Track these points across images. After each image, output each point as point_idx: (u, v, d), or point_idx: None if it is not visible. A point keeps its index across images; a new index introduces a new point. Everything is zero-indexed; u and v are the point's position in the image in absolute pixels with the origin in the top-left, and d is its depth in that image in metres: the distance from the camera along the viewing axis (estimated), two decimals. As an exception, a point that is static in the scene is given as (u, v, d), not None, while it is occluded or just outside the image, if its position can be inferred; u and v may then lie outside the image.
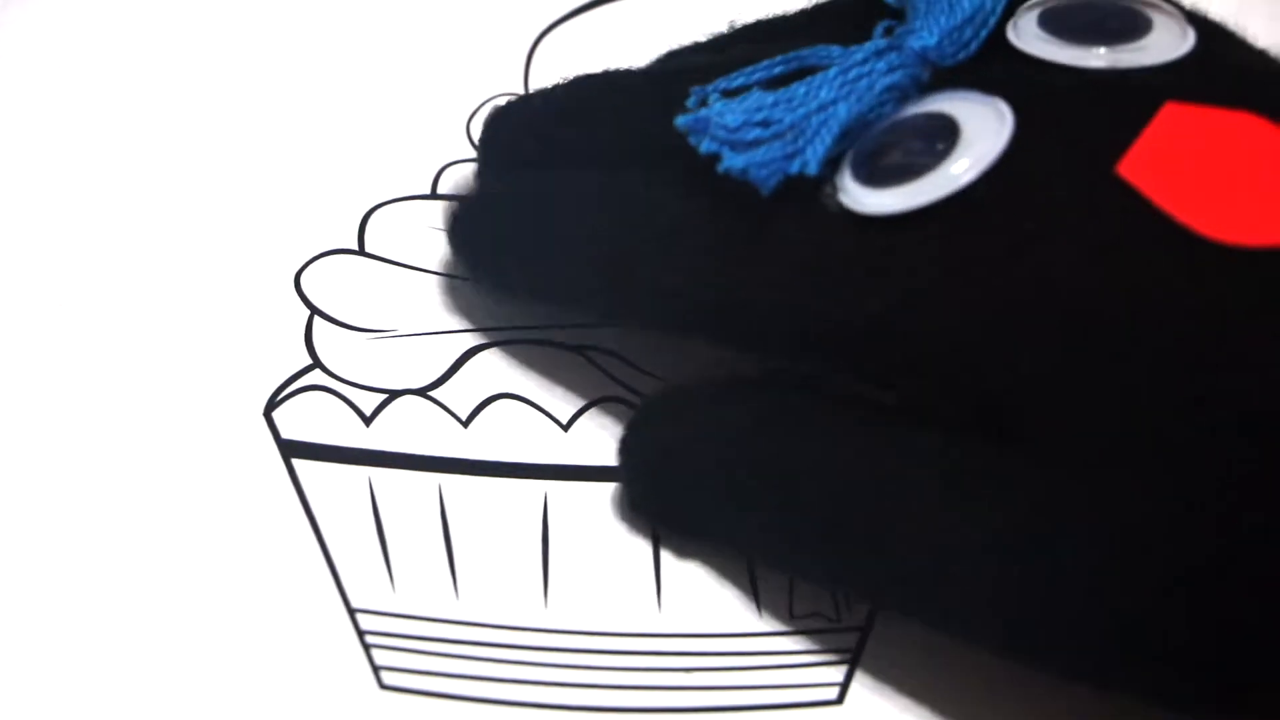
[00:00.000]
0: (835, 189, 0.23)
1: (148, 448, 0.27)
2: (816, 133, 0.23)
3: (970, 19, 0.24)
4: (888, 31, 0.24)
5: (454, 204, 0.28)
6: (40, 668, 0.24)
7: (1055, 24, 0.24)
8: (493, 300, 0.28)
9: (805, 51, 0.25)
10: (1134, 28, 0.24)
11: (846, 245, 0.23)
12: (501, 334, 0.29)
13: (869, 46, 0.24)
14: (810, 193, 0.23)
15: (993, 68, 0.24)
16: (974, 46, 0.24)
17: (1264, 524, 0.18)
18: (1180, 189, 0.21)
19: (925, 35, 0.24)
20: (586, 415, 0.27)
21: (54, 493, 0.26)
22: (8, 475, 0.26)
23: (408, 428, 0.27)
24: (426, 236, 0.30)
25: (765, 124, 0.23)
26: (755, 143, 0.23)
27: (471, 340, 0.28)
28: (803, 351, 0.23)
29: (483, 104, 0.32)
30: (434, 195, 0.31)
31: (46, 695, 0.24)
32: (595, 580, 0.25)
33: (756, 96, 0.24)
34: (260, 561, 0.25)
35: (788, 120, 0.23)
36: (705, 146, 0.23)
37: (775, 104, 0.23)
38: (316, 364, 0.28)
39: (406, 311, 0.29)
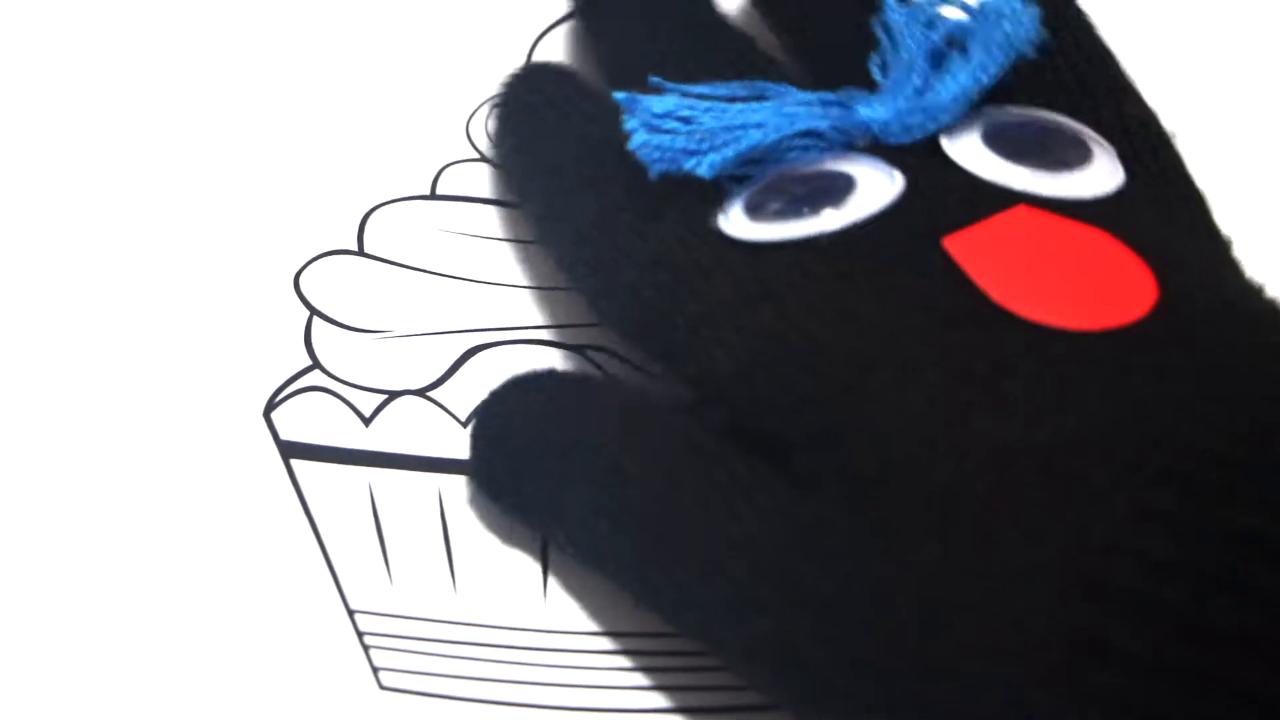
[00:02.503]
0: (724, 210, 0.25)
1: (147, 448, 0.27)
2: (724, 144, 0.24)
3: (925, 109, 0.25)
4: (850, 95, 0.25)
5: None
6: (40, 668, 0.24)
7: (995, 136, 0.25)
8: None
9: (769, 84, 0.26)
10: (1070, 159, 0.25)
11: (697, 254, 0.24)
12: (501, 334, 0.29)
13: (818, 95, 0.25)
14: (704, 205, 0.25)
15: (918, 153, 0.25)
16: (917, 135, 0.25)
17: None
18: (996, 265, 0.22)
19: (878, 109, 0.25)
20: (586, 415, 0.27)
21: (53, 493, 0.26)
22: (7, 475, 0.26)
23: (407, 428, 0.27)
24: (426, 237, 0.30)
25: (686, 121, 0.24)
26: (668, 133, 0.24)
27: (471, 340, 0.28)
28: (641, 339, 0.25)
29: (482, 104, 0.32)
30: (434, 195, 0.31)
31: (47, 695, 0.24)
32: (595, 580, 0.25)
33: (693, 100, 0.25)
34: (259, 562, 0.25)
35: (706, 125, 0.24)
36: (628, 123, 0.25)
37: (706, 110, 0.25)
38: (316, 365, 0.28)
39: (406, 312, 0.29)
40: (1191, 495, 0.18)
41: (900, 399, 0.21)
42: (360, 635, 0.25)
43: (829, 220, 0.24)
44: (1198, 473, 0.18)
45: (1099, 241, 0.23)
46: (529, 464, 0.25)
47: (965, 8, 0.26)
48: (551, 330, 0.29)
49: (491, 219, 0.31)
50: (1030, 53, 0.26)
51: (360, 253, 0.30)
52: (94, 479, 0.26)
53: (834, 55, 0.29)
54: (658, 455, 0.23)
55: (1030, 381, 0.20)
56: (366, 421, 0.27)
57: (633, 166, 0.25)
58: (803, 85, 0.26)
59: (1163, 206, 0.25)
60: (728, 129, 0.24)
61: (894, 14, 0.26)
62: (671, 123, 0.24)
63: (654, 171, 0.24)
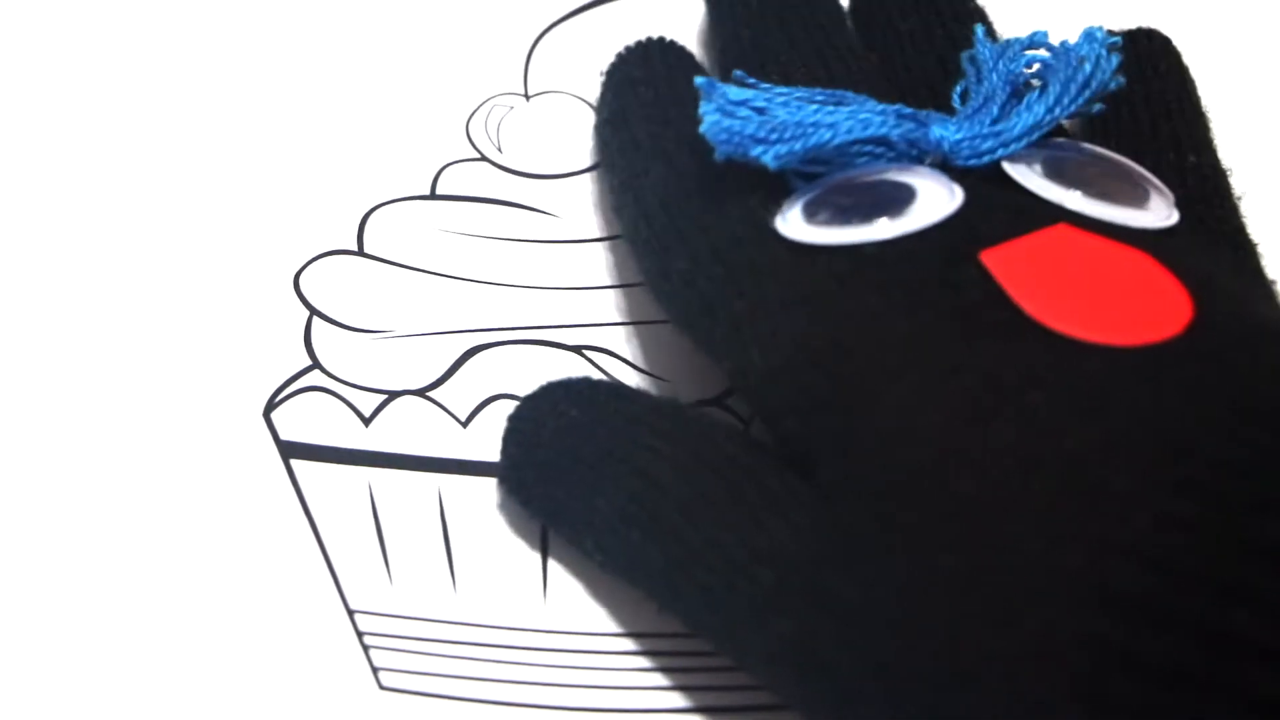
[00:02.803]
0: (782, 209, 0.25)
1: (147, 448, 0.27)
2: (794, 138, 0.24)
3: (996, 134, 0.25)
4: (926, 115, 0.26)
5: None
6: (40, 668, 0.24)
7: (1056, 166, 0.25)
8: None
9: (848, 94, 0.26)
10: (1127, 196, 0.25)
11: (751, 252, 0.24)
12: (501, 334, 0.29)
13: (895, 108, 0.25)
14: (766, 204, 0.25)
15: (982, 173, 0.25)
16: (986, 160, 0.25)
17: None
18: (1033, 280, 0.22)
19: (951, 130, 0.25)
20: (586, 415, 0.27)
21: (54, 493, 0.26)
22: (8, 475, 0.26)
23: (407, 428, 0.27)
24: (426, 236, 0.30)
25: (761, 111, 0.25)
26: (741, 119, 0.24)
27: (471, 340, 0.28)
28: (688, 327, 0.25)
29: (482, 104, 0.32)
30: (434, 195, 0.31)
31: (47, 695, 0.24)
32: (594, 580, 0.25)
33: (771, 94, 0.25)
34: (259, 562, 0.25)
35: (779, 118, 0.24)
36: (703, 108, 0.25)
37: (782, 104, 0.25)
38: (315, 365, 0.28)
39: (406, 312, 0.29)
40: (1213, 506, 0.18)
41: (926, 409, 0.21)
42: (360, 635, 0.25)
43: (881, 229, 0.24)
44: (1219, 483, 0.18)
45: (1137, 261, 0.23)
46: (561, 471, 0.25)
47: (1050, 48, 0.27)
48: (551, 330, 0.29)
49: (491, 219, 0.30)
50: (1105, 99, 0.26)
51: (360, 253, 0.30)
52: (94, 479, 0.26)
53: (919, 83, 0.29)
54: (689, 465, 0.23)
55: (1058, 393, 0.20)
56: (366, 421, 0.27)
57: (704, 154, 0.25)
58: (892, 97, 0.26)
59: (1210, 247, 0.25)
60: (799, 124, 0.24)
61: (984, 49, 0.27)
62: (745, 110, 0.25)
63: (720, 154, 0.24)
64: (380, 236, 0.30)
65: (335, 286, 0.29)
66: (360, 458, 0.27)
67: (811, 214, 0.24)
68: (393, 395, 0.27)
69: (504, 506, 0.26)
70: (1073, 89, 0.26)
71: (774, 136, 0.24)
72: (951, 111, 0.27)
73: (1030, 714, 0.18)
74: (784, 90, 0.25)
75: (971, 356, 0.21)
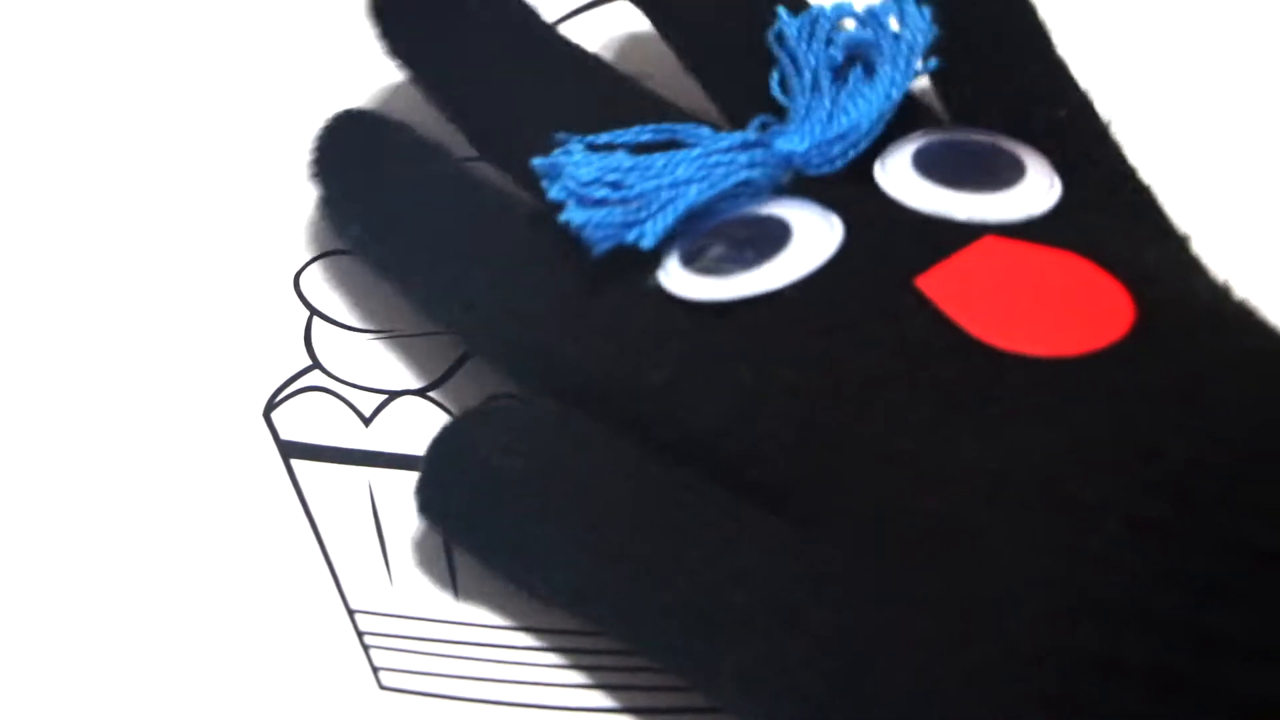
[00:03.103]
0: (658, 264, 0.24)
1: (147, 448, 0.27)
2: (661, 209, 0.24)
3: (843, 136, 0.25)
4: (763, 126, 0.25)
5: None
6: (40, 668, 0.24)
7: (927, 164, 0.24)
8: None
9: (679, 126, 0.25)
10: (1005, 177, 0.24)
11: (649, 318, 0.24)
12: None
13: (737, 137, 0.24)
14: (636, 261, 0.24)
15: (848, 187, 0.24)
16: (839, 164, 0.25)
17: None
18: (972, 301, 0.22)
19: (795, 140, 0.25)
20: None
21: (54, 493, 0.26)
22: (7, 475, 0.26)
23: (407, 428, 0.27)
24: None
25: (616, 186, 0.24)
26: (601, 203, 0.23)
27: (471, 340, 0.28)
28: (596, 408, 0.24)
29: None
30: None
31: (47, 695, 0.24)
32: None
33: (615, 157, 0.24)
34: (260, 562, 0.25)
35: (638, 189, 0.24)
36: (553, 193, 0.24)
37: (631, 169, 0.24)
38: (316, 365, 0.28)
39: (406, 311, 0.29)
40: (1183, 504, 0.18)
41: (890, 438, 0.21)
42: (360, 635, 0.25)
43: (778, 273, 0.23)
44: (1188, 482, 0.18)
45: (1071, 265, 0.22)
46: (494, 503, 0.23)
47: (860, 18, 0.26)
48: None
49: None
50: (936, 60, 0.25)
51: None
52: (94, 479, 0.26)
53: (729, 60, 0.28)
54: (646, 490, 0.23)
55: (1016, 408, 0.20)
56: (366, 421, 0.27)
57: (537, 235, 0.24)
58: (665, 109, 0.26)
59: (1114, 210, 0.25)
60: (659, 190, 0.24)
61: (788, 26, 0.26)
62: (600, 189, 0.23)
63: (598, 251, 0.24)
64: (380, 236, 0.30)
65: (335, 286, 0.29)
66: (360, 458, 0.27)
67: (694, 265, 0.24)
68: (393, 395, 0.27)
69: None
70: (902, 64, 0.25)
71: (642, 215, 0.23)
72: (771, 103, 0.26)
73: None
74: (616, 134, 0.24)
75: (928, 384, 0.21)
